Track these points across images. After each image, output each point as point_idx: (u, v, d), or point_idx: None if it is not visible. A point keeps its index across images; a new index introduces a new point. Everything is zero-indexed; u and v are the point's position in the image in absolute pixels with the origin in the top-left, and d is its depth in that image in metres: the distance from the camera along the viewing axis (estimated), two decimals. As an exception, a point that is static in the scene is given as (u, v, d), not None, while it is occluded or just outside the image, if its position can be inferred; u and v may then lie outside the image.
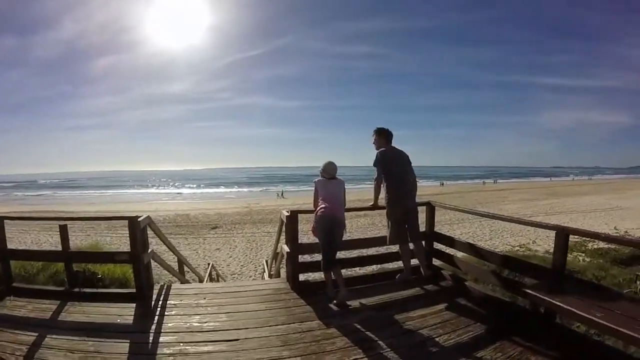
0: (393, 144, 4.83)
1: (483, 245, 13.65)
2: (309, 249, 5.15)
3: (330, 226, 4.33)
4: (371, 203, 5.03)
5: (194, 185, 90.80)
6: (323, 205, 4.36)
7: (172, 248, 6.38)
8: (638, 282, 5.57)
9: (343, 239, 4.55)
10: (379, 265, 6.27)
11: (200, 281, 8.12)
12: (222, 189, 75.66)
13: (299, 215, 4.94)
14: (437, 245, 5.33)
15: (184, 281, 6.61)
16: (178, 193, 66.07)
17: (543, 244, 13.84)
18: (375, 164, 4.68)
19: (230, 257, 14.42)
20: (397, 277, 4.88)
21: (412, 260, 4.86)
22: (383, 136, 4.80)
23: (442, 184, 68.58)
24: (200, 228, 21.31)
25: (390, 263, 5.82)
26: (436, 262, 5.34)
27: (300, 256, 4.94)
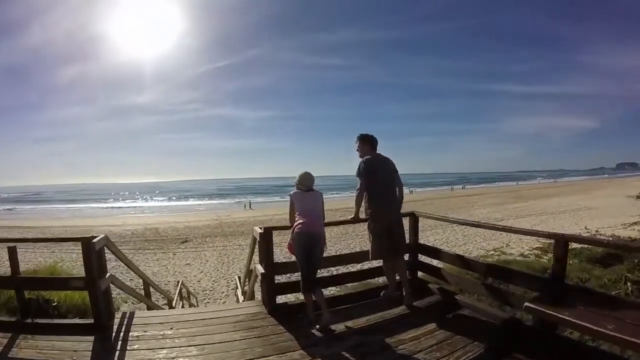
0: (378, 151, 4.53)
1: (458, 251, 14.02)
2: (286, 268, 4.70)
3: (309, 243, 3.95)
4: (352, 215, 4.61)
5: (164, 198, 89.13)
6: (300, 221, 3.99)
7: (135, 270, 5.65)
8: (628, 284, 5.38)
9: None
10: (362, 282, 5.84)
11: (170, 302, 7.50)
12: (192, 201, 74.50)
13: (276, 231, 4.55)
14: (422, 258, 5.02)
15: (150, 305, 6.00)
16: (147, 206, 64.44)
17: (516, 247, 13.91)
18: (358, 174, 4.36)
19: (202, 272, 13.90)
20: (382, 294, 4.58)
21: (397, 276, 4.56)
22: (367, 143, 4.51)
23: (412, 192, 68.96)
24: (170, 242, 20.62)
25: (373, 278, 5.46)
26: (421, 274, 5.02)
27: (276, 276, 4.50)
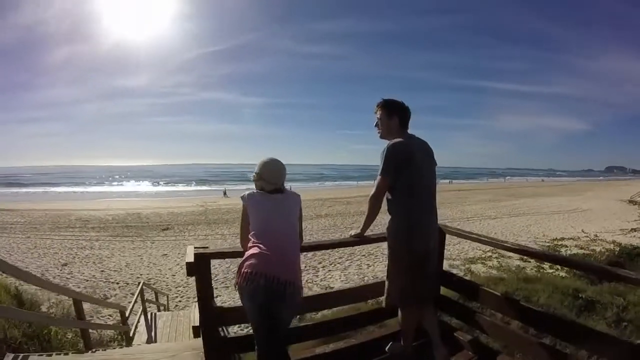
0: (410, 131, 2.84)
1: (453, 251, 13.45)
2: (238, 317, 2.78)
3: (268, 298, 2.21)
4: (355, 231, 2.96)
5: (152, 182, 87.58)
6: (255, 251, 2.28)
7: (53, 287, 3.93)
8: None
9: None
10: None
11: (123, 315, 6.05)
12: (180, 187, 73.32)
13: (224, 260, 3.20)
14: (446, 291, 3.27)
15: (86, 327, 4.22)
16: (133, 190, 63.22)
17: (514, 254, 13.13)
18: (382, 167, 2.63)
19: (178, 264, 12.92)
20: (387, 348, 3.00)
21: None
22: (395, 114, 2.78)
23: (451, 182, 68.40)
24: (150, 229, 19.73)
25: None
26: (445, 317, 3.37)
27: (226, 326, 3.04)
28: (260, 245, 2.31)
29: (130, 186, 77.42)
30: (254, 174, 2.58)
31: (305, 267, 11.58)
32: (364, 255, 13.12)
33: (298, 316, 3.06)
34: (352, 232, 2.97)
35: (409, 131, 2.81)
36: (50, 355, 2.85)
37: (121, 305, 6.53)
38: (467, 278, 3.48)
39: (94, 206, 31.46)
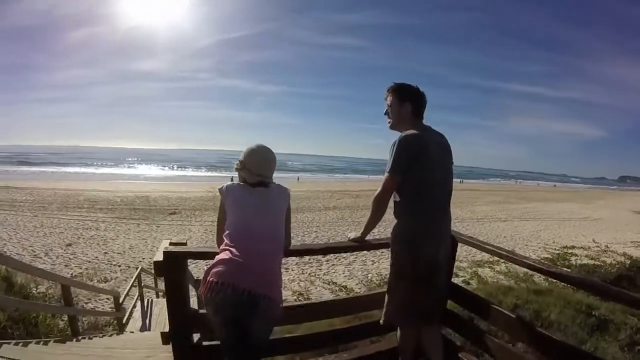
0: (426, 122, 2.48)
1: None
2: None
3: (237, 312, 1.92)
4: (356, 234, 2.58)
5: (163, 166, 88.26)
6: (226, 257, 1.94)
7: (40, 273, 3.84)
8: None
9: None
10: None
11: (115, 299, 6.07)
12: (191, 171, 73.74)
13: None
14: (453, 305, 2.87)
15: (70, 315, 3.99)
16: (145, 174, 63.55)
17: (523, 254, 12.72)
18: (391, 163, 2.27)
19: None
20: None
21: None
22: (407, 100, 2.42)
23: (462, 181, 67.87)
24: (157, 213, 19.73)
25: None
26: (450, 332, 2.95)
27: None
28: (233, 249, 1.95)
29: (141, 169, 78.15)
30: (237, 162, 2.20)
31: (309, 259, 11.43)
32: (370, 252, 12.76)
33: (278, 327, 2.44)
34: (351, 235, 2.59)
35: (425, 122, 2.44)
36: (26, 345, 2.68)
37: (115, 291, 6.41)
38: (476, 293, 2.88)
39: (103, 187, 31.65)
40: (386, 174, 2.27)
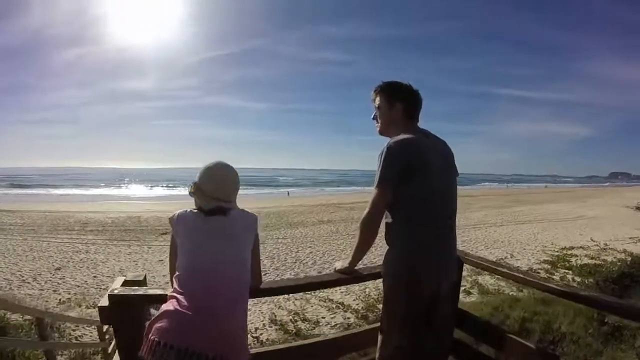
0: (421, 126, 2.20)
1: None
2: None
3: None
4: (342, 263, 2.20)
5: (154, 185, 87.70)
6: (170, 308, 1.58)
7: (15, 308, 3.87)
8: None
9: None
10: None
11: (98, 328, 5.47)
12: (182, 190, 73.17)
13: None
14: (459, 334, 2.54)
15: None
16: (136, 194, 63.10)
17: (522, 258, 12.83)
18: (380, 179, 1.91)
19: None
20: None
21: None
22: (400, 100, 2.12)
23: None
24: (149, 233, 19.30)
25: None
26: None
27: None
28: (180, 298, 1.57)
29: (133, 189, 77.71)
30: (191, 183, 1.86)
31: (307, 274, 11.18)
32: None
33: None
34: (338, 265, 2.19)
35: (421, 125, 2.13)
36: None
37: (96, 320, 6.09)
38: (487, 320, 2.65)
39: (94, 208, 31.12)
40: (374, 190, 1.89)
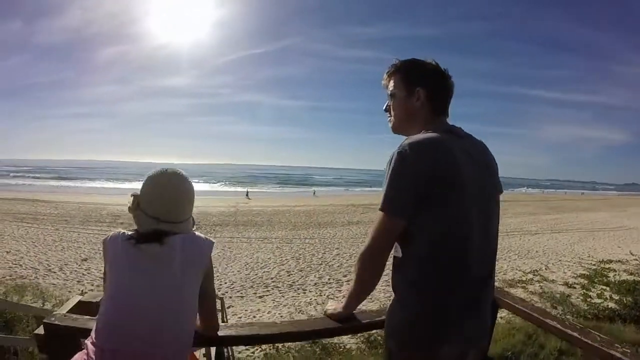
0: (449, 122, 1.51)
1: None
2: None
3: None
4: (335, 307, 1.63)
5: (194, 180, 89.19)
6: (84, 357, 1.26)
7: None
8: None
9: None
10: None
11: None
12: (215, 186, 74.19)
13: None
14: None
15: None
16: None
17: (558, 270, 12.19)
18: (387, 201, 1.29)
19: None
20: None
21: None
22: (424, 85, 1.46)
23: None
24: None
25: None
26: None
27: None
28: (97, 344, 1.22)
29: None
30: (131, 196, 1.41)
31: (329, 279, 10.96)
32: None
33: None
34: (330, 308, 1.65)
35: (450, 121, 1.50)
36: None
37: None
38: None
39: (127, 202, 31.62)
40: (379, 214, 1.30)
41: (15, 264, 11.10)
